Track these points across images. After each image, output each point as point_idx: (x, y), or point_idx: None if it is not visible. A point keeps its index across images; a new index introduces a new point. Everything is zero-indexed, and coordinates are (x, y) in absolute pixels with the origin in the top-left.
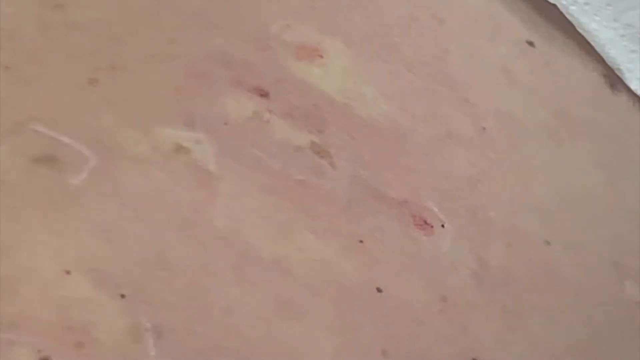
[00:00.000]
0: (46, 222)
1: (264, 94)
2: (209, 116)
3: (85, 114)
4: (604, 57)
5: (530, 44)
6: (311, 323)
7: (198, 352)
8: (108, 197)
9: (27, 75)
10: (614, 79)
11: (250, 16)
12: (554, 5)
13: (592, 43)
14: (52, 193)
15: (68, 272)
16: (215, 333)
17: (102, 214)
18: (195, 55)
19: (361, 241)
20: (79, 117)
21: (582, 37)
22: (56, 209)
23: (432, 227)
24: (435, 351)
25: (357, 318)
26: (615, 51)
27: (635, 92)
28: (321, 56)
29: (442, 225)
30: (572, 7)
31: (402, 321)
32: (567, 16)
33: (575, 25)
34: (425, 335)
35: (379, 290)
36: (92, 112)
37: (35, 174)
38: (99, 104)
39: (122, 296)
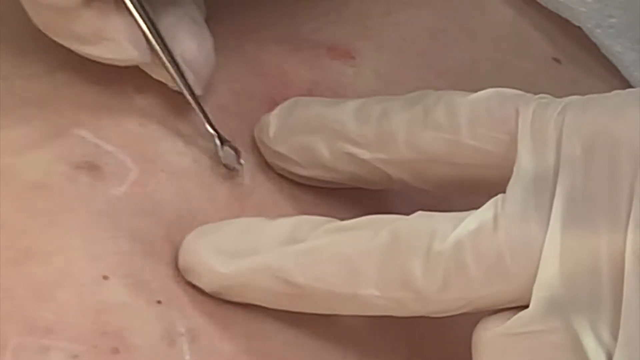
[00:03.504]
0: (84, 228)
1: None
2: (247, 132)
3: (130, 122)
4: (628, 78)
5: (557, 61)
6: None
7: (230, 354)
8: (145, 212)
9: (73, 80)
10: None
11: (282, 19)
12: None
13: (617, 64)
14: (92, 201)
15: (106, 278)
16: (246, 336)
17: (138, 228)
18: (234, 68)
19: None
20: (123, 125)
21: (607, 58)
22: (95, 216)
23: None
24: None
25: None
26: (639, 73)
27: None
28: (353, 57)
29: None
30: (597, 30)
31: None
32: (592, 38)
33: (600, 47)
34: None
35: None
36: (136, 121)
37: (76, 181)
38: (144, 114)
39: (158, 302)
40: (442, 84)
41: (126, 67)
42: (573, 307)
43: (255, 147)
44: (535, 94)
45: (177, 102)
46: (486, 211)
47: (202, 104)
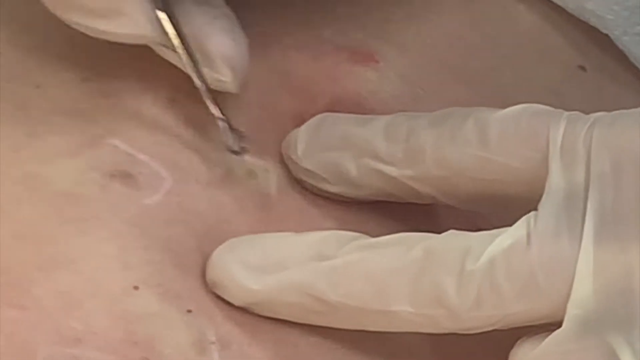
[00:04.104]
0: (116, 237)
1: None
2: (276, 146)
3: (163, 132)
4: None
5: (582, 68)
6: None
7: None
8: (177, 222)
9: (107, 88)
10: None
11: (304, 24)
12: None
13: None
14: (125, 210)
15: (136, 288)
16: (274, 342)
17: (170, 238)
18: (261, 79)
19: None
20: (156, 135)
21: (634, 65)
22: (127, 225)
23: None
24: None
25: None
26: None
27: None
28: (377, 62)
29: None
30: (624, 38)
31: None
32: (619, 45)
33: (627, 54)
34: None
35: None
36: (170, 131)
37: (109, 189)
38: (177, 124)
39: (189, 311)
40: (464, 89)
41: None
42: (608, 323)
43: (281, 160)
44: (560, 102)
45: (209, 114)
46: (519, 229)
47: (229, 116)
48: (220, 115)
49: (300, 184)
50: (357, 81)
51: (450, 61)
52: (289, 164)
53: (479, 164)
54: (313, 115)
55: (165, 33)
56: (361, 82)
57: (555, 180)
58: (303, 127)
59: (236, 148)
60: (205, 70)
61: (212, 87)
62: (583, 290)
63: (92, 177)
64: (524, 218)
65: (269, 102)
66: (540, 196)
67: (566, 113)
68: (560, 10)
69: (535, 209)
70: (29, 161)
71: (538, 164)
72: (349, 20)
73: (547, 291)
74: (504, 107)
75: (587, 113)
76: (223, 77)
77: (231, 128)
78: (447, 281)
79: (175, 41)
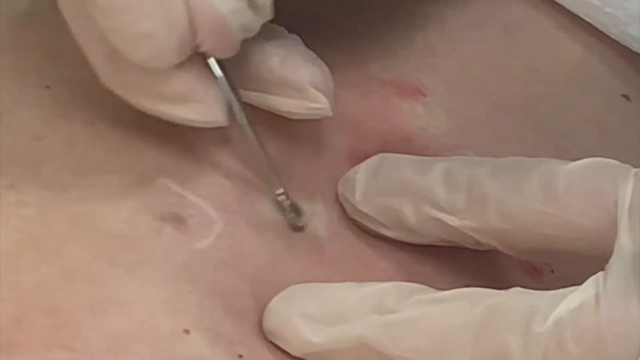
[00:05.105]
0: (167, 281)
1: None
2: (327, 183)
3: (214, 173)
4: None
5: (626, 97)
6: None
7: None
8: (228, 265)
9: (158, 126)
10: None
11: (349, 59)
12: None
13: None
14: (176, 253)
15: (187, 331)
16: None
17: (221, 281)
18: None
19: None
20: (207, 177)
21: None
22: (178, 269)
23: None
24: None
25: None
26: None
27: None
28: (424, 95)
29: (552, 271)
30: None
31: None
32: None
33: None
34: None
35: None
36: (221, 172)
37: (160, 233)
38: (228, 165)
39: (240, 356)
40: (509, 121)
41: None
42: None
43: (336, 199)
44: (603, 131)
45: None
46: (587, 289)
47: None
48: (282, 191)
49: (355, 224)
50: (406, 117)
51: (495, 92)
52: (345, 205)
53: (543, 219)
54: (365, 153)
55: (233, 117)
56: (411, 118)
57: (624, 241)
58: (361, 169)
59: (300, 224)
60: (298, 102)
61: (306, 116)
62: None
63: (143, 220)
64: (592, 278)
65: (320, 142)
66: (607, 254)
67: (634, 170)
68: (603, 37)
69: (602, 268)
70: (78, 200)
71: (604, 222)
72: (393, 54)
73: (615, 354)
74: (549, 138)
75: (632, 142)
76: (318, 104)
77: (292, 204)
78: (512, 341)
79: (243, 121)
